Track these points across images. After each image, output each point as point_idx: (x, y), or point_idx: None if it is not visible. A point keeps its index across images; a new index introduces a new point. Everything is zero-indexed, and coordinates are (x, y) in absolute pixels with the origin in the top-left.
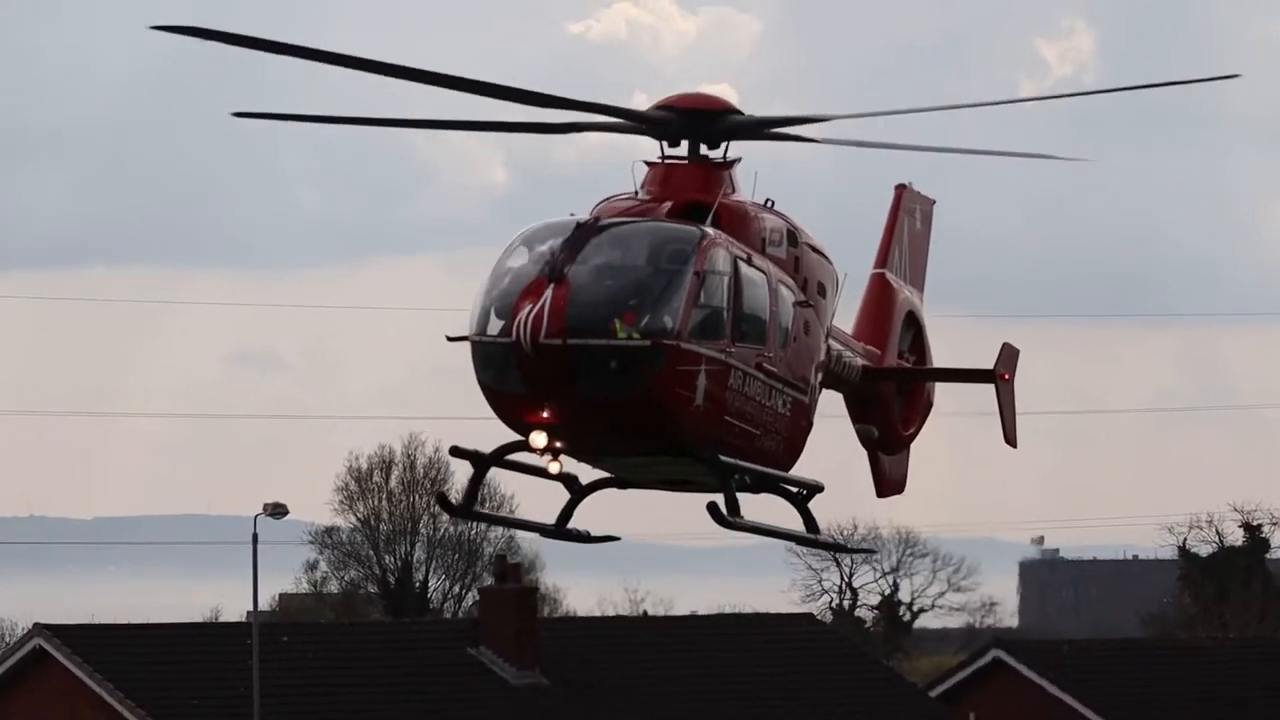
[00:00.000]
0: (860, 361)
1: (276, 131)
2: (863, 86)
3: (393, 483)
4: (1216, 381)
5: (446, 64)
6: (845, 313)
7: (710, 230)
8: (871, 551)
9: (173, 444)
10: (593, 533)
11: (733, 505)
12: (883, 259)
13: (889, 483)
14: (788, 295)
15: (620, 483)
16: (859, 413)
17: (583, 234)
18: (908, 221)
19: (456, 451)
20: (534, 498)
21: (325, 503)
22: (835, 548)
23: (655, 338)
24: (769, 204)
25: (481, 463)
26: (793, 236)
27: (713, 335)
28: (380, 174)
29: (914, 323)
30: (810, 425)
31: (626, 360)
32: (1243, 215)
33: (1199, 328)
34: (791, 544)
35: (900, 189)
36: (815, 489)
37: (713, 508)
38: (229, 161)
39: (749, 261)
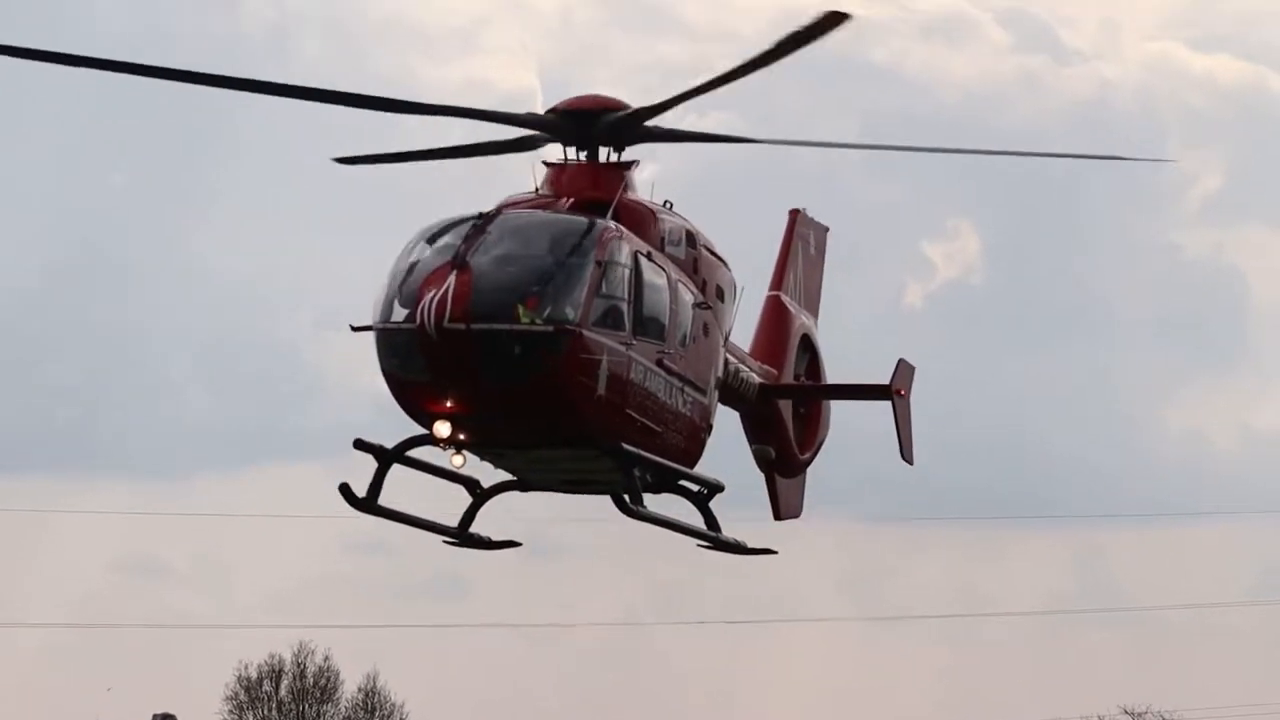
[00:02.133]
0: (757, 379)
1: (163, 335)
2: None
3: (283, 691)
4: (1106, 583)
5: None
6: (741, 333)
7: (611, 223)
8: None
9: (60, 654)
10: (493, 539)
11: (636, 495)
12: (778, 282)
13: (786, 506)
14: (687, 296)
15: (522, 485)
16: (756, 433)
17: (485, 224)
18: (802, 246)
19: (360, 444)
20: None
21: (215, 712)
22: (735, 548)
23: (558, 324)
24: (668, 205)
25: (385, 457)
26: (692, 238)
27: (614, 326)
28: (267, 377)
29: (810, 346)
30: (710, 428)
31: (530, 345)
32: (1127, 415)
33: (1087, 530)
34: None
35: (794, 213)
36: (716, 488)
37: (617, 498)
38: (114, 365)
39: (649, 258)
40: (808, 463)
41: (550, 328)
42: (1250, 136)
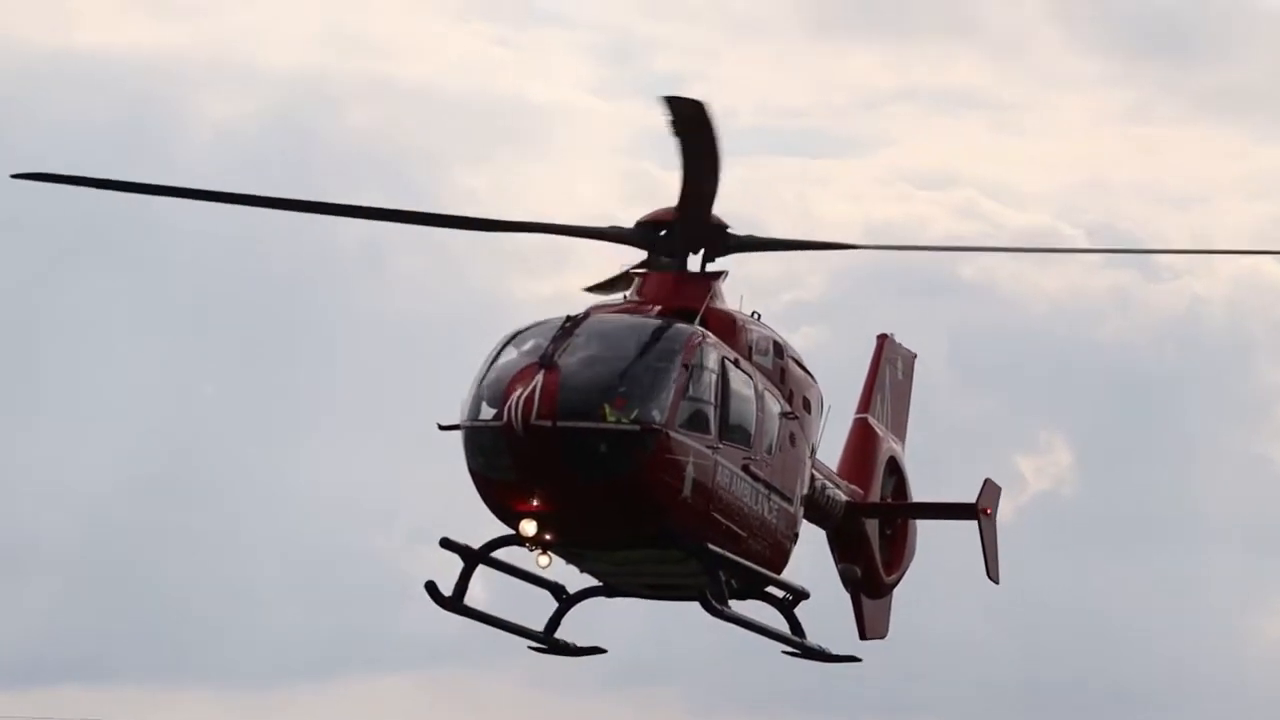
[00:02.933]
0: (844, 497)
1: (251, 542)
2: None
3: None
4: None
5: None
6: (828, 455)
7: (699, 329)
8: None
9: None
10: (578, 644)
11: (720, 595)
12: (865, 404)
13: (871, 626)
14: (774, 404)
15: (607, 590)
16: (842, 552)
17: (573, 326)
18: (889, 371)
19: (447, 543)
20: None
21: None
22: (820, 655)
23: (645, 424)
24: (756, 316)
25: (471, 557)
26: (779, 349)
27: (700, 430)
28: (359, 586)
29: (896, 469)
30: (795, 538)
31: (616, 444)
32: (1222, 623)
33: None
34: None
35: (882, 338)
36: (801, 595)
37: (703, 597)
38: (200, 574)
39: (736, 365)
40: (894, 584)
41: (636, 427)
42: None
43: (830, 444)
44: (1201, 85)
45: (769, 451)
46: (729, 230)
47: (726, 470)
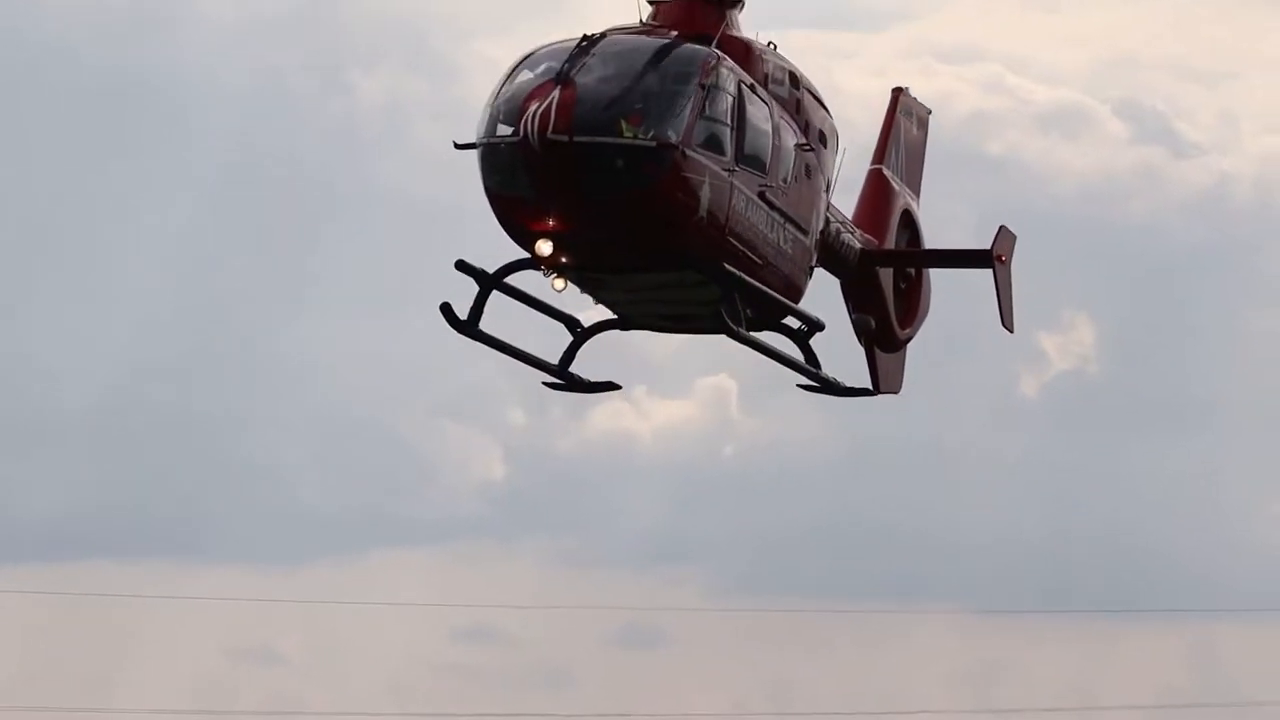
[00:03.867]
0: (858, 244)
1: (278, 426)
2: None
3: None
4: (1221, 678)
5: None
6: (843, 206)
7: (716, 50)
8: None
9: None
10: (592, 380)
11: (737, 317)
12: (880, 156)
13: (886, 380)
14: (790, 134)
15: (622, 323)
16: (856, 303)
17: (589, 46)
18: (904, 124)
19: (462, 265)
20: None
21: None
22: (833, 387)
23: (661, 140)
24: (772, 46)
25: (486, 281)
26: (795, 79)
27: (717, 151)
28: (380, 467)
29: (911, 223)
30: (811, 271)
31: (632, 159)
32: (1241, 508)
33: (1200, 623)
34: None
35: (897, 91)
36: (817, 326)
37: (718, 315)
38: (227, 457)
39: (753, 90)
40: (908, 339)
41: (653, 143)
42: None
43: (844, 197)
44: None
45: (784, 181)
46: None
47: (742, 195)
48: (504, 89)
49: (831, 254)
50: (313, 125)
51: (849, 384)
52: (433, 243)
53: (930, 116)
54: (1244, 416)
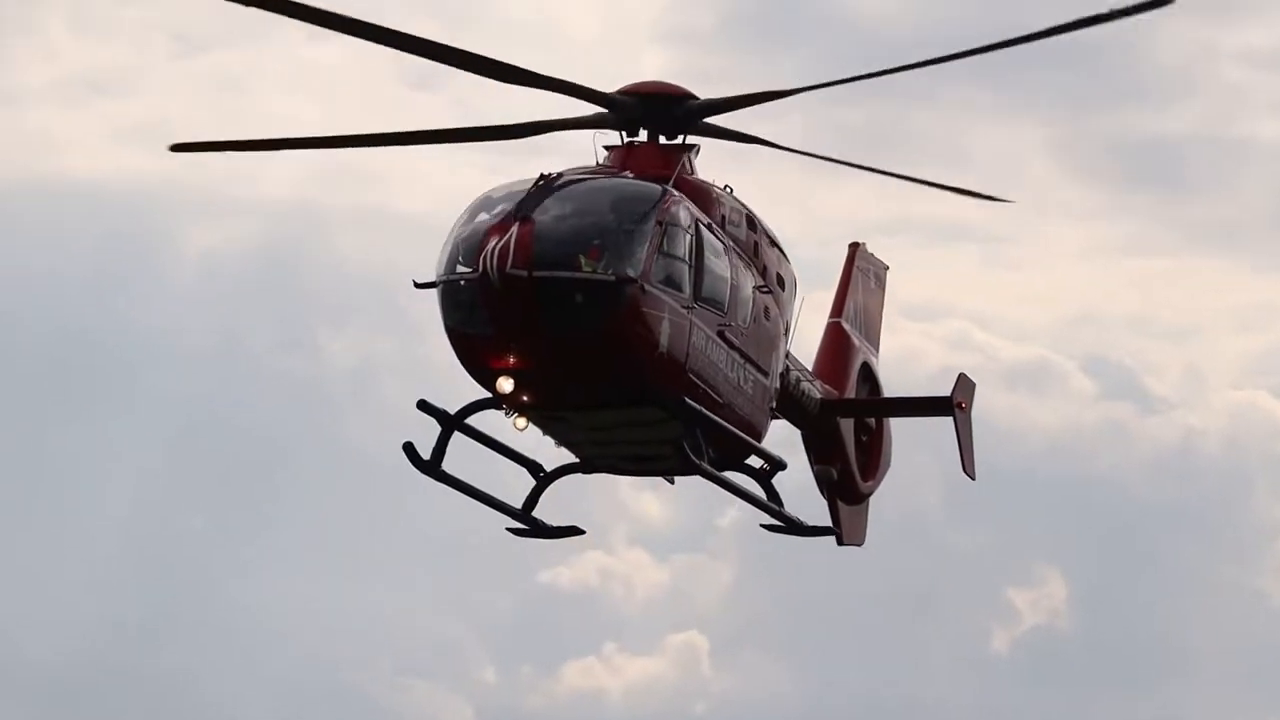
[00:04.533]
0: (818, 394)
1: (236, 688)
2: None
3: None
4: None
5: None
6: (800, 357)
7: (673, 189)
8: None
9: None
10: (555, 525)
11: (700, 450)
12: (838, 310)
13: (849, 532)
14: (748, 275)
15: (585, 466)
16: (818, 454)
17: (548, 184)
18: (862, 279)
19: (424, 406)
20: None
21: None
22: (796, 526)
23: (620, 275)
24: (728, 190)
25: (449, 422)
26: (751, 222)
27: (675, 288)
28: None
29: (870, 377)
30: (771, 414)
31: (592, 294)
32: None
33: None
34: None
35: (854, 246)
36: (779, 464)
37: (679, 447)
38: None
39: (710, 230)
40: (870, 491)
41: (612, 277)
42: None
43: (803, 345)
44: (1194, 217)
45: (743, 321)
46: (693, 99)
47: (702, 332)
48: (462, 228)
49: (792, 403)
50: (275, 385)
51: (812, 524)
52: (397, 501)
53: (888, 273)
54: (1213, 673)
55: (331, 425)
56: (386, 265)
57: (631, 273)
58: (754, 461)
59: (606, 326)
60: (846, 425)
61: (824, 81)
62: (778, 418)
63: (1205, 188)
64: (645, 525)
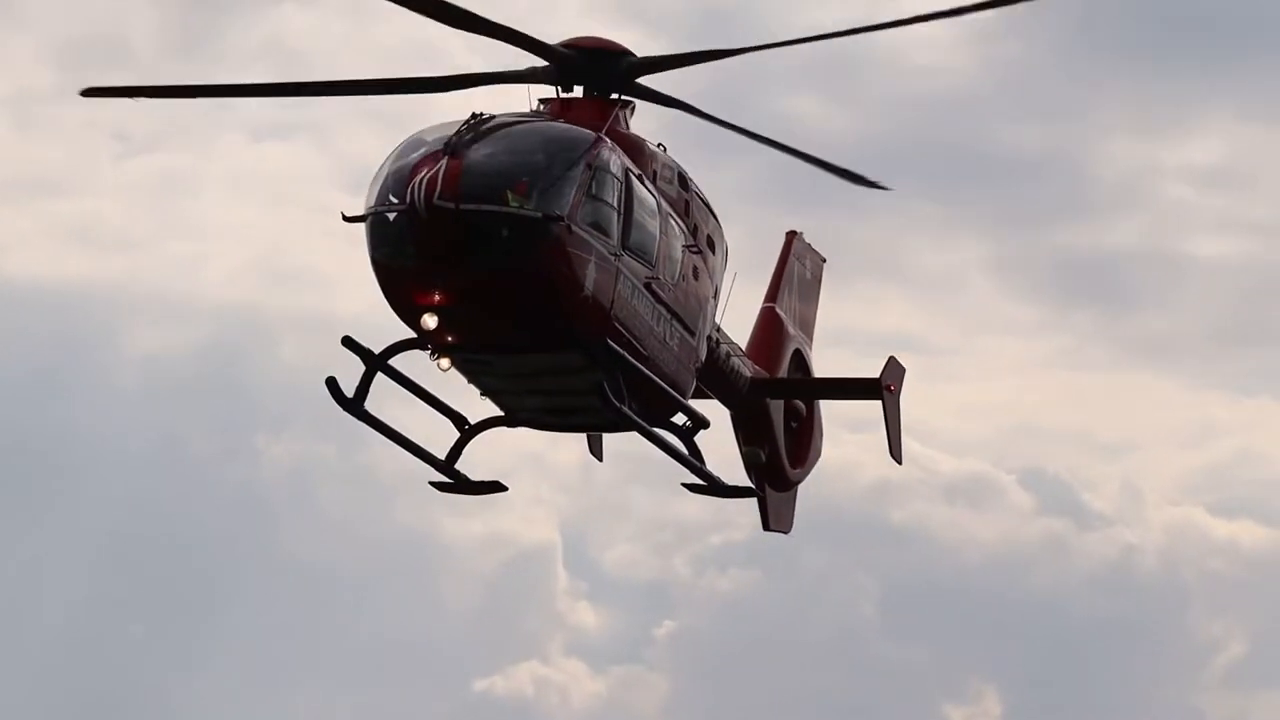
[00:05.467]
0: (748, 372)
1: None
2: None
3: None
4: None
5: None
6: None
7: (604, 136)
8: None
9: None
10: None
11: (620, 394)
12: (772, 295)
13: (775, 518)
14: (677, 232)
15: (508, 419)
16: (747, 435)
17: (479, 123)
18: (798, 267)
19: (349, 342)
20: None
21: None
22: (716, 485)
23: (547, 212)
24: (660, 147)
25: (373, 360)
26: (684, 180)
27: (603, 232)
28: None
29: (802, 364)
30: (696, 374)
31: (518, 229)
32: None
33: None
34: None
35: (791, 234)
36: (702, 423)
37: (600, 389)
38: None
39: (640, 180)
40: (799, 479)
41: (539, 214)
42: (1275, 602)
43: (735, 329)
44: (1134, 332)
45: (672, 278)
46: (630, 56)
47: (628, 281)
48: (392, 163)
49: (720, 377)
50: (214, 491)
51: (733, 483)
52: (334, 609)
53: (825, 265)
54: None
55: (268, 532)
56: (327, 370)
57: (558, 211)
58: (678, 420)
59: (531, 263)
60: (776, 408)
61: (765, 44)
62: (706, 396)
63: (1145, 303)
64: (582, 635)
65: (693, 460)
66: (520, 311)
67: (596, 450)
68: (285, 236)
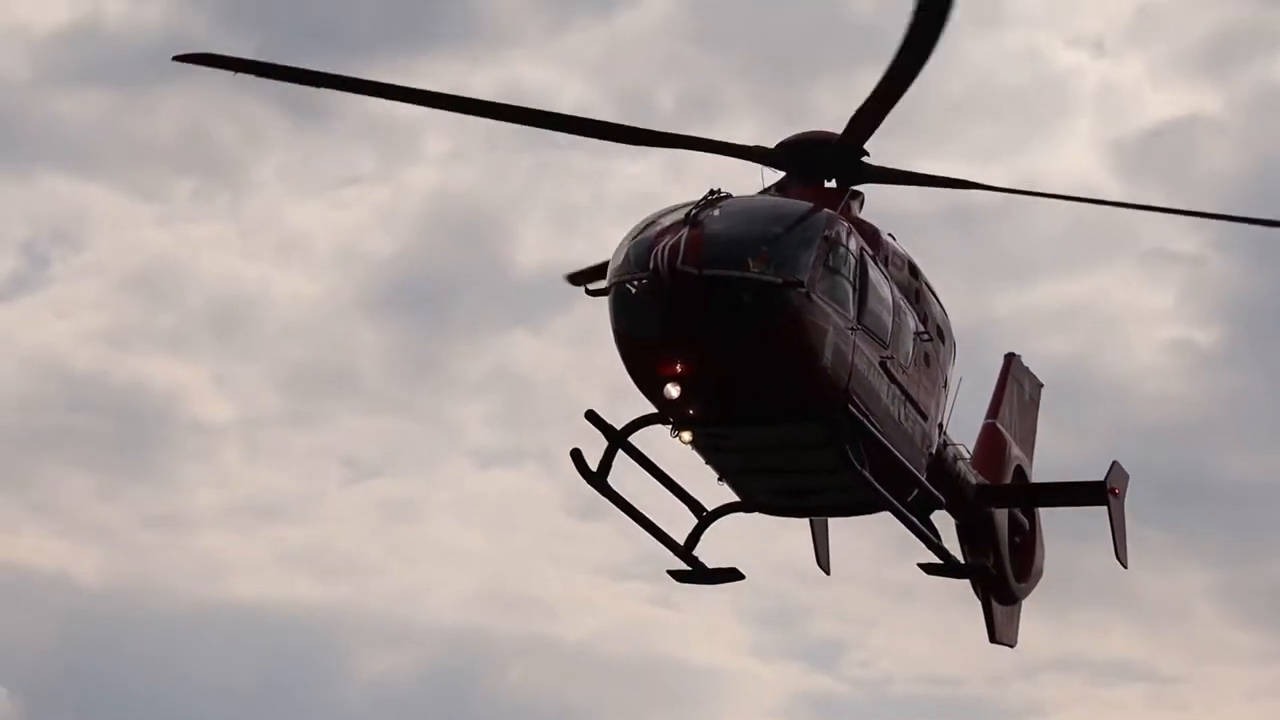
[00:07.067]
0: (974, 480)
1: None
2: None
3: None
4: None
5: None
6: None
7: (839, 215)
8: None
9: None
10: (710, 566)
11: (861, 459)
12: (994, 412)
13: (1001, 632)
14: (910, 316)
15: (746, 504)
16: (972, 546)
17: (717, 198)
18: (1016, 389)
19: (592, 417)
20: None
21: None
22: (952, 563)
23: (788, 278)
24: (891, 237)
25: (615, 435)
26: (914, 269)
27: (840, 304)
28: None
29: (1024, 481)
30: (930, 458)
31: (760, 294)
32: None
33: None
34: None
35: (1010, 357)
36: (938, 501)
37: (843, 454)
38: None
39: (874, 261)
40: (1024, 594)
41: (779, 279)
42: None
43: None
44: None
45: (905, 359)
46: (867, 160)
47: (864, 356)
48: (634, 236)
49: (948, 480)
50: None
51: (967, 561)
52: None
53: (1042, 391)
54: None
55: None
56: (553, 696)
57: (800, 277)
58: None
59: (773, 329)
60: (1001, 518)
61: (1018, 189)
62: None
63: None
64: None
65: (930, 536)
66: (761, 379)
67: (823, 560)
68: (510, 562)
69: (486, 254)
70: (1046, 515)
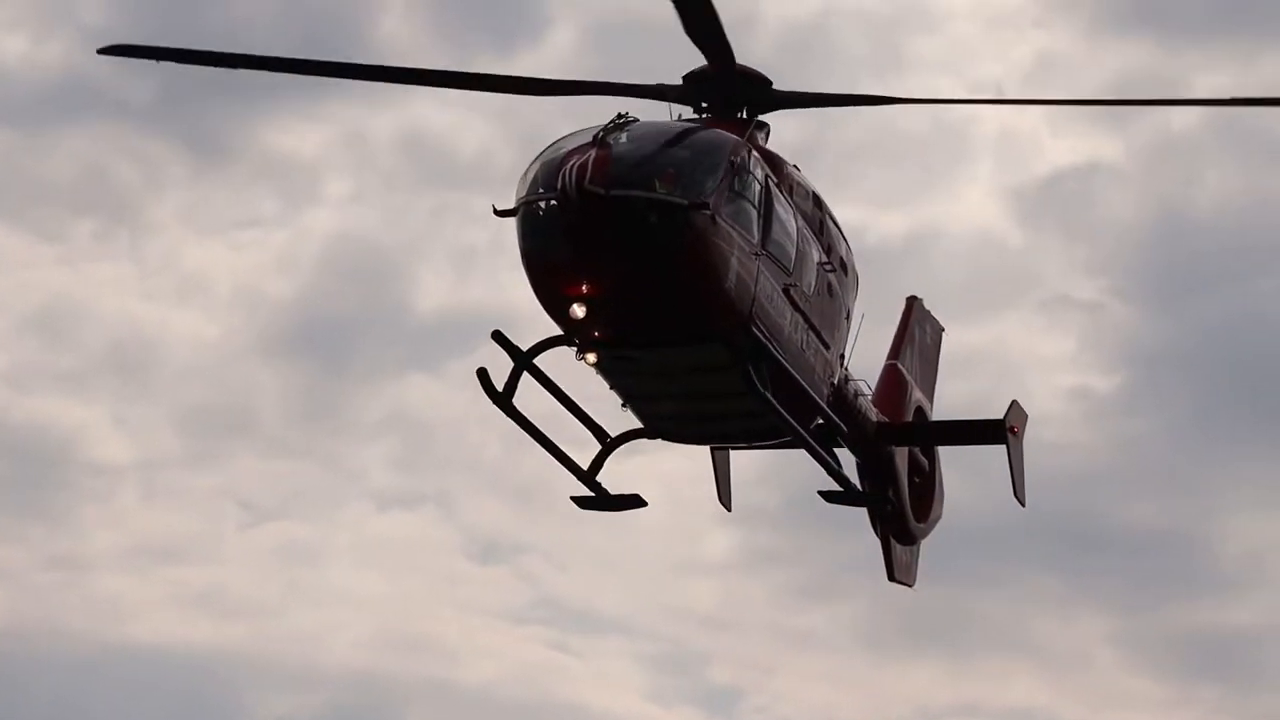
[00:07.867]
0: (874, 417)
1: None
2: None
3: None
4: None
5: None
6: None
7: (745, 141)
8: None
9: None
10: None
11: (764, 381)
12: (895, 353)
13: (900, 569)
14: (814, 246)
15: (649, 429)
16: (871, 484)
17: (625, 121)
18: (919, 331)
19: (499, 337)
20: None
21: None
22: (852, 491)
23: (692, 199)
24: (796, 168)
25: (521, 356)
26: (819, 200)
27: (744, 228)
28: None
29: (924, 421)
30: (832, 389)
31: (666, 215)
32: None
33: None
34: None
35: (911, 299)
36: (841, 430)
37: (745, 375)
38: None
39: (779, 188)
40: (921, 535)
41: (685, 201)
42: None
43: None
44: (1264, 711)
45: (809, 288)
46: (773, 85)
47: (768, 281)
48: (541, 157)
49: (849, 413)
50: None
51: (869, 491)
52: None
53: (943, 335)
54: None
55: None
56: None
57: (705, 199)
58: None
59: (677, 250)
60: (901, 457)
61: (919, 98)
62: (837, 446)
63: (1275, 681)
64: None
65: (831, 463)
66: (665, 300)
67: (724, 497)
68: (410, 605)
69: (385, 297)
70: (950, 561)
